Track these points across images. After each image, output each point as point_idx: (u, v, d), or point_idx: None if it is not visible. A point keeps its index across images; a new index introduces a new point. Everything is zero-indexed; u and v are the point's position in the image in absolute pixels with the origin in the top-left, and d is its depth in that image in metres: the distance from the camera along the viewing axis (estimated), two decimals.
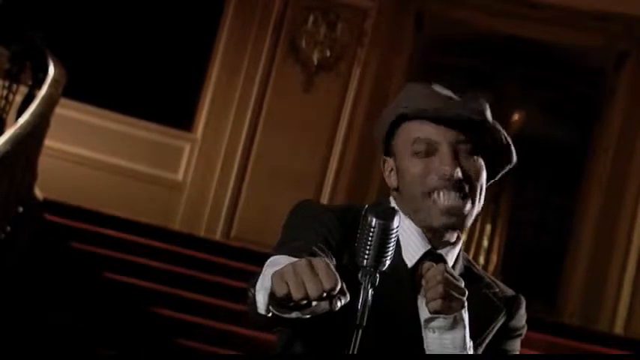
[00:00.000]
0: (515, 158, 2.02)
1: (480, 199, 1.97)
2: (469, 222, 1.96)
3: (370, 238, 1.67)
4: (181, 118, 9.11)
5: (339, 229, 1.92)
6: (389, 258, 1.68)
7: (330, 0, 9.15)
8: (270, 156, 8.98)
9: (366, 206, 1.71)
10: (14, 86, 7.38)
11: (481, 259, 10.26)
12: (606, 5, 8.83)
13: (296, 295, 1.51)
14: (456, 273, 1.93)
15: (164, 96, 8.98)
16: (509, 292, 2.07)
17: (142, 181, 8.92)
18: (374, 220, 1.67)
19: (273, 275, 1.55)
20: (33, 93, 7.02)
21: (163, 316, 6.34)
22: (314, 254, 1.76)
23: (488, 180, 2.00)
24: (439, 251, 1.98)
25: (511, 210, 10.33)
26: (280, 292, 1.53)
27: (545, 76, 9.85)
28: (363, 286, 1.67)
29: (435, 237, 1.98)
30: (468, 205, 1.94)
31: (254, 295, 1.66)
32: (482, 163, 1.97)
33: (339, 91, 9.11)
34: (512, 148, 2.01)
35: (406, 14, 9.28)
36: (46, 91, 6.69)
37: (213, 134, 9.09)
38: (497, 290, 2.05)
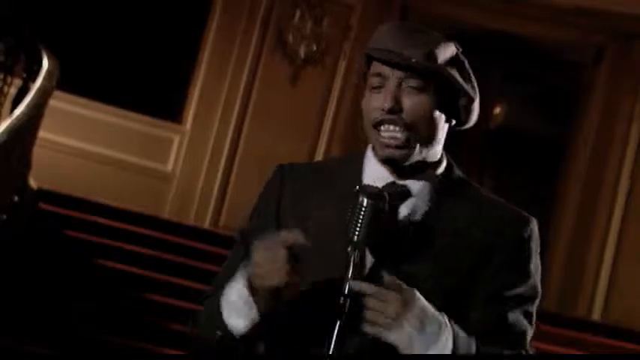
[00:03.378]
0: (475, 99, 2.04)
1: (427, 131, 1.97)
2: (415, 153, 1.96)
3: (361, 217, 1.83)
4: (171, 110, 9.23)
5: (275, 201, 2.06)
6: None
7: None
8: (258, 147, 9.10)
9: (358, 186, 1.87)
10: (9, 78, 7.48)
11: None
12: (584, 1, 9.02)
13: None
14: (425, 207, 1.96)
15: (154, 88, 9.07)
16: (512, 213, 2.06)
17: (132, 172, 9.02)
18: (365, 200, 1.83)
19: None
20: (27, 85, 7.10)
21: (153, 301, 6.49)
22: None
23: (450, 119, 2.02)
24: (404, 182, 1.99)
25: None
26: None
27: (526, 71, 10.00)
28: (352, 259, 1.84)
29: (393, 168, 1.99)
30: (411, 138, 1.94)
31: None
32: (430, 99, 1.96)
33: (325, 85, 9.26)
34: (472, 90, 2.04)
35: (391, 9, 9.43)
36: (41, 83, 6.78)
37: (201, 126, 9.21)
38: (491, 214, 2.03)
